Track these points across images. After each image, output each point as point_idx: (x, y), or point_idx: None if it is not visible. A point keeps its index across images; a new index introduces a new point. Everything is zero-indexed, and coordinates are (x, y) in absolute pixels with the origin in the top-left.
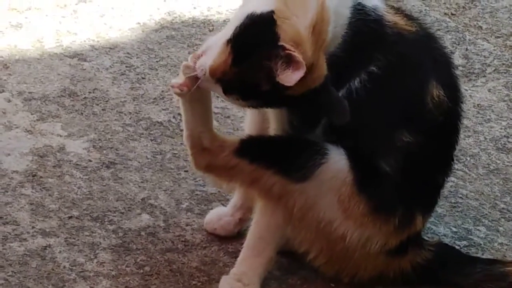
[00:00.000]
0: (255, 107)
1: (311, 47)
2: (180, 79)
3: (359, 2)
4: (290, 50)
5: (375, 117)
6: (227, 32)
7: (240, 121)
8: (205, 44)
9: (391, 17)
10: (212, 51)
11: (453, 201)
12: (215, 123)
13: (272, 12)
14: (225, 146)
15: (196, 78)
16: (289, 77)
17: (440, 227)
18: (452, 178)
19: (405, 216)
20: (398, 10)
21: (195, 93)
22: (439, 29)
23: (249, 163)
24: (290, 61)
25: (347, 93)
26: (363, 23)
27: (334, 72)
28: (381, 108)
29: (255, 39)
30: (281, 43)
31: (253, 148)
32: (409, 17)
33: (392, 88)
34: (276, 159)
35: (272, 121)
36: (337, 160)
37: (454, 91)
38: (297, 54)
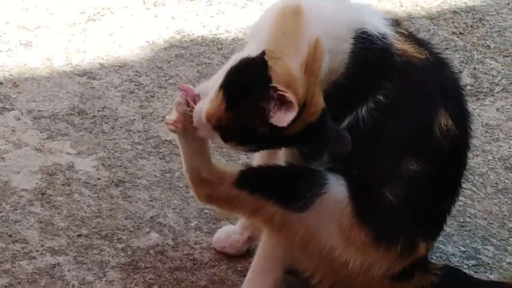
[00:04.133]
0: (255, 150)
1: (303, 86)
2: (173, 115)
3: (364, 31)
4: (282, 91)
5: (381, 145)
6: (221, 76)
7: None
8: (199, 88)
9: (400, 45)
10: (207, 96)
11: (461, 220)
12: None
13: (263, 53)
14: (225, 177)
15: (189, 115)
16: (282, 118)
17: (449, 246)
18: (461, 197)
19: (407, 244)
20: (409, 37)
21: (189, 128)
22: (447, 48)
23: (249, 194)
24: (282, 102)
25: (354, 121)
26: (368, 52)
27: (339, 99)
28: (388, 136)
29: (247, 82)
30: (273, 84)
31: (253, 179)
32: (420, 43)
33: (399, 117)
34: (276, 190)
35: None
36: (336, 191)
37: (462, 119)
38: (289, 95)
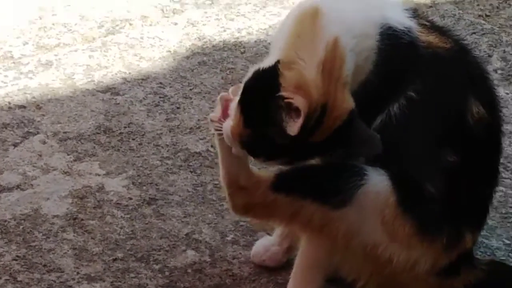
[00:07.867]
0: (287, 164)
1: (320, 87)
2: (217, 112)
3: (389, 27)
4: (288, 98)
5: (418, 140)
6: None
7: None
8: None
9: (425, 37)
10: (232, 113)
11: (503, 211)
12: None
13: (277, 62)
14: (261, 182)
15: None
16: (292, 127)
17: (492, 240)
18: (501, 188)
19: (453, 234)
20: (431, 28)
21: None
22: (474, 32)
23: (285, 196)
24: (291, 110)
25: (387, 119)
26: (395, 47)
27: (370, 98)
28: (423, 130)
29: (259, 96)
30: (280, 93)
31: (289, 180)
32: (442, 32)
33: (432, 110)
34: (312, 187)
35: None
36: (377, 181)
37: (492, 105)
38: (295, 100)
